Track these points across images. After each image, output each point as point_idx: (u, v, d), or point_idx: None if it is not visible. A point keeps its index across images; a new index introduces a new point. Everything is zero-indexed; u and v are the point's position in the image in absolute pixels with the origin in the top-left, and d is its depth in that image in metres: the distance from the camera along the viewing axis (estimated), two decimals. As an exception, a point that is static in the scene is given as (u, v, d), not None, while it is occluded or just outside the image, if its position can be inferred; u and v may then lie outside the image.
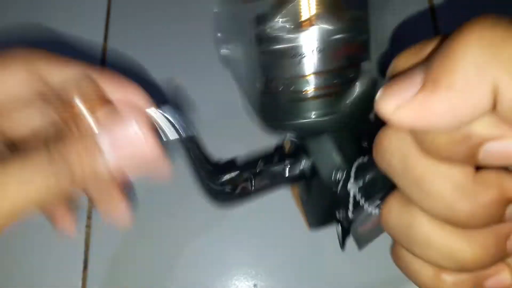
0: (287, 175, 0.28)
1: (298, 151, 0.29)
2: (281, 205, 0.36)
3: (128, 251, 0.34)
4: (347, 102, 0.26)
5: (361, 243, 0.29)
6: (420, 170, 0.16)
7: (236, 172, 0.27)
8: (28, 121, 0.23)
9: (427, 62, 0.14)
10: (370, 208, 0.24)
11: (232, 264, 0.35)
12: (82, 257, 0.35)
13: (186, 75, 0.37)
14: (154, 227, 0.35)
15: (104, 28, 0.41)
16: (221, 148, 0.35)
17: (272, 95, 0.27)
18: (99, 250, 0.35)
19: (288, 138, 0.30)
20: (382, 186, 0.24)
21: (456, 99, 0.13)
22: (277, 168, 0.28)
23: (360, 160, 0.26)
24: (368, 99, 0.26)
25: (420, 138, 0.15)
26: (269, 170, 0.28)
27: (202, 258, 0.35)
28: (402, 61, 0.16)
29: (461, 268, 0.17)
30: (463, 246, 0.16)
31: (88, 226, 0.35)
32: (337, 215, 0.27)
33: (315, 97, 0.26)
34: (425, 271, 0.18)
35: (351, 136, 0.27)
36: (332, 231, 0.34)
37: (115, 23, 0.41)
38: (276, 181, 0.28)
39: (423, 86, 0.14)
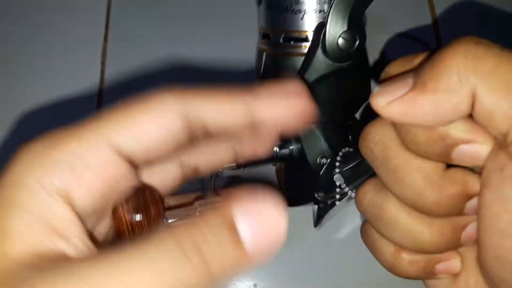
0: (277, 154, 0.31)
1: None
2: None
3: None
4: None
5: (324, 221, 0.32)
6: (397, 161, 0.18)
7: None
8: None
9: (417, 69, 0.17)
10: (350, 192, 0.27)
11: None
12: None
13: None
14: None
15: (104, 28, 0.41)
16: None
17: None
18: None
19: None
20: (362, 175, 0.27)
21: (439, 100, 0.16)
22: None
23: (344, 150, 0.28)
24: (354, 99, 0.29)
25: (403, 133, 0.18)
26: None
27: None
28: (394, 68, 0.19)
29: (418, 249, 0.19)
30: (424, 230, 0.19)
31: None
32: (316, 196, 0.30)
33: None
34: (387, 249, 0.21)
35: (338, 128, 0.30)
36: (332, 232, 0.37)
37: (115, 25, 0.41)
38: (266, 158, 0.31)
39: (413, 87, 0.16)
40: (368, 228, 0.22)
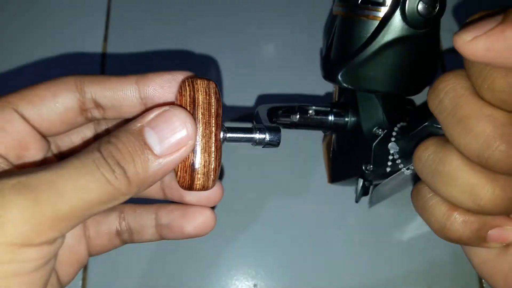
0: (331, 121, 0.31)
1: (346, 103, 0.31)
2: (281, 205, 0.37)
3: (127, 252, 0.32)
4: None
5: (375, 201, 0.31)
6: (468, 109, 0.18)
7: (292, 104, 0.30)
8: (79, 134, 0.24)
9: (503, 12, 0.17)
10: (404, 169, 0.27)
11: (232, 264, 0.36)
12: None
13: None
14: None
15: (104, 29, 0.42)
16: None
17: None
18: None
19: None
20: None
21: None
22: (324, 111, 0.31)
23: (402, 123, 0.28)
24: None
25: (480, 80, 0.17)
26: (316, 111, 0.31)
27: (202, 258, 0.36)
28: (477, 16, 0.18)
29: (475, 207, 0.19)
30: (486, 186, 0.18)
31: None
32: (364, 168, 0.29)
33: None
34: (439, 208, 0.20)
35: (398, 101, 0.30)
36: (332, 232, 0.37)
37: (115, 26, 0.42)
38: (320, 123, 0.31)
39: (502, 21, 0.16)
40: (421, 188, 0.22)
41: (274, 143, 0.21)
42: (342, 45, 0.29)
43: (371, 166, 0.29)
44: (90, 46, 0.40)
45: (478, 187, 0.18)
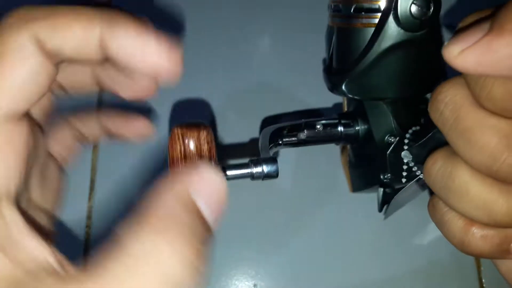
0: (341, 132, 0.30)
1: (355, 113, 0.30)
2: (281, 205, 0.37)
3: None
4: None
5: (390, 211, 0.30)
6: (470, 121, 0.17)
7: (298, 122, 0.30)
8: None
9: (494, 15, 0.15)
10: (421, 175, 0.26)
11: (232, 264, 0.36)
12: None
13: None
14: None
15: None
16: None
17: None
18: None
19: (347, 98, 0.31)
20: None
21: None
22: (332, 124, 0.30)
23: (414, 128, 0.27)
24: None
25: (477, 89, 0.16)
26: (324, 125, 0.30)
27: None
28: (469, 20, 0.17)
29: (491, 221, 0.18)
30: (499, 199, 0.17)
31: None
32: (382, 178, 0.28)
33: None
34: (456, 223, 0.19)
35: (408, 106, 0.28)
36: (332, 232, 0.36)
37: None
38: (330, 136, 0.30)
39: (489, 31, 0.15)
40: (436, 201, 0.21)
41: (272, 175, 0.21)
42: (342, 56, 0.28)
43: (389, 175, 0.28)
44: None
45: (491, 202, 0.17)
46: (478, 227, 0.19)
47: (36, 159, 0.19)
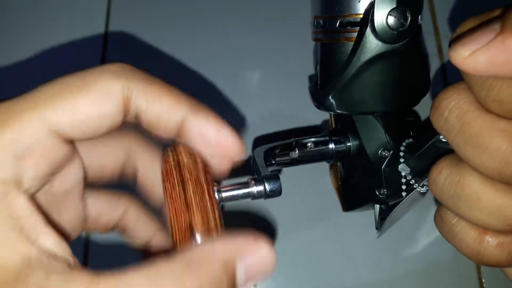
0: (332, 150, 0.29)
1: (345, 129, 0.30)
2: (281, 205, 0.36)
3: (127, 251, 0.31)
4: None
5: (385, 228, 0.29)
6: (477, 126, 0.16)
7: (288, 141, 0.29)
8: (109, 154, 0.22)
9: (503, 15, 0.15)
10: (419, 187, 0.25)
11: None
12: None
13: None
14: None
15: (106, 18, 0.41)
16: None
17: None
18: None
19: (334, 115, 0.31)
20: (429, 165, 0.24)
21: None
22: (323, 141, 0.29)
23: (408, 141, 0.26)
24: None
25: (484, 92, 0.16)
26: (315, 143, 0.29)
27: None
28: (468, 24, 0.17)
29: (507, 227, 0.17)
30: None
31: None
32: (378, 193, 0.27)
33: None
34: (468, 233, 0.19)
35: (398, 119, 0.28)
36: (331, 232, 0.36)
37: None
38: (322, 154, 0.29)
39: (501, 30, 0.14)
40: (444, 213, 0.20)
41: (275, 193, 0.20)
42: (325, 71, 0.28)
43: (385, 190, 0.27)
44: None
45: (505, 207, 0.17)
46: (492, 235, 0.18)
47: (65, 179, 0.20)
